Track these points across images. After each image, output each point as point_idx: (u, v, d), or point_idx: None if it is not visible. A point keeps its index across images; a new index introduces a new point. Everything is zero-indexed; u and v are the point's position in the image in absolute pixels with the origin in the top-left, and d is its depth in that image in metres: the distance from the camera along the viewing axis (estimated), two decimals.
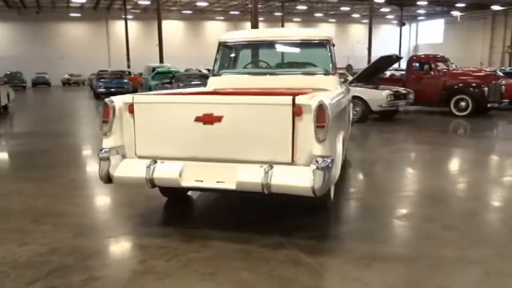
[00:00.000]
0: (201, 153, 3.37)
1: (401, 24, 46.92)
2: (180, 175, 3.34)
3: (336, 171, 3.51)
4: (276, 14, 46.67)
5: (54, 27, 44.64)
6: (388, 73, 17.80)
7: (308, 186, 3.03)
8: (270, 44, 5.36)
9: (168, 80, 15.77)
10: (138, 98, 3.52)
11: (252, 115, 3.24)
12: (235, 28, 49.47)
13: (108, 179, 3.46)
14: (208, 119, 3.29)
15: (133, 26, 44.47)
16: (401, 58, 11.12)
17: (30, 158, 6.84)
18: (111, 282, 2.77)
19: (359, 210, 4.15)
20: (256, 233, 3.50)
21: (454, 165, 6.60)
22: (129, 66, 35.22)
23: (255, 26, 14.22)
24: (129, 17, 42.81)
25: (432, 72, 12.30)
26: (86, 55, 44.37)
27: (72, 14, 44.12)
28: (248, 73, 5.25)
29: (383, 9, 48.34)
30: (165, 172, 3.36)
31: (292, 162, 3.19)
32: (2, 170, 6.47)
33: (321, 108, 3.03)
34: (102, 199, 4.68)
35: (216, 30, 46.87)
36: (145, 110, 3.48)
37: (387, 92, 10.54)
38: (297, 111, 3.13)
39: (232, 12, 48.54)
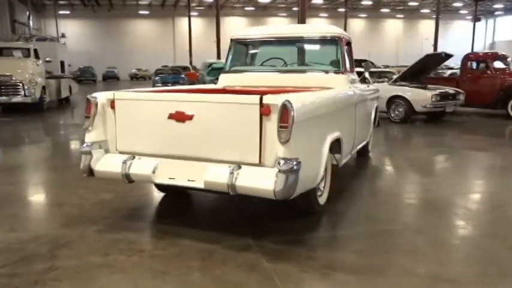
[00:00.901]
0: (175, 150, 3.36)
1: (476, 19, 43.98)
2: (153, 172, 3.36)
3: (312, 174, 3.36)
4: (340, 10, 45.68)
5: (124, 24, 47.00)
6: (448, 72, 16.84)
7: (270, 189, 2.92)
8: (280, 42, 5.24)
9: None
10: (119, 94, 3.58)
11: (221, 114, 3.18)
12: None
13: (89, 172, 3.56)
14: (180, 117, 3.28)
15: (197, 22, 45.69)
16: (451, 56, 10.40)
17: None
18: (66, 273, 2.84)
19: (350, 218, 3.92)
20: (230, 234, 3.44)
21: (500, 178, 6.04)
22: (191, 62, 36.20)
23: (302, 22, 13.99)
24: (194, 14, 44.10)
25: (489, 72, 11.42)
26: (152, 51, 46.29)
27: (141, 12, 46.19)
28: (257, 71, 5.18)
29: (455, 4, 45.73)
30: (140, 168, 3.40)
31: (260, 164, 3.09)
32: (53, 160, 6.90)
33: (284, 108, 2.90)
34: (109, 190, 4.73)
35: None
36: (124, 106, 3.54)
37: (432, 92, 9.93)
38: (264, 111, 3.03)
39: (295, 9, 48.17)
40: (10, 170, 5.79)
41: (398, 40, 53.44)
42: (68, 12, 45.34)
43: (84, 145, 3.55)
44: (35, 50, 13.77)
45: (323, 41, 5.01)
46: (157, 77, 22.74)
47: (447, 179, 5.29)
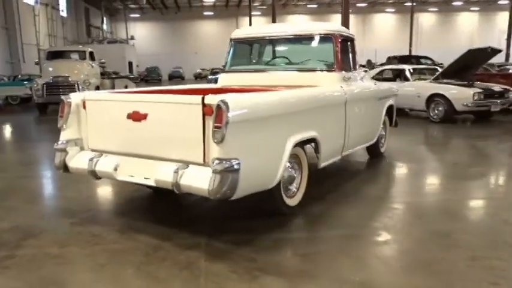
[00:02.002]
0: (133, 149, 3.49)
1: None
2: (115, 169, 3.51)
3: (265, 175, 3.33)
4: (407, 4, 43.77)
5: (189, 25, 48.62)
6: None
7: (205, 188, 2.94)
8: (276, 40, 5.22)
9: None
10: (89, 95, 3.78)
11: (169, 114, 3.26)
12: (360, 21, 47.99)
13: (64, 168, 3.79)
14: (136, 117, 3.40)
15: (260, 21, 46.02)
16: (499, 51, 9.61)
17: None
18: (19, 261, 3.06)
19: (319, 220, 3.78)
20: (189, 232, 3.51)
21: None
22: None
23: (345, 21, 13.68)
24: (257, 13, 44.56)
25: None
26: (216, 51, 47.36)
27: (205, 13, 47.50)
28: (253, 70, 5.19)
29: None
30: (104, 166, 3.56)
31: (204, 163, 3.11)
32: None
33: (218, 108, 2.90)
34: (111, 184, 4.93)
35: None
36: (93, 106, 3.73)
37: (475, 89, 9.25)
38: (207, 110, 3.05)
39: (359, 5, 46.99)
40: (28, 165, 6.28)
41: (472, 34, 50.12)
42: (137, 15, 47.79)
43: (59, 142, 3.78)
44: (91, 53, 14.71)
45: (317, 38, 4.91)
46: (211, 76, 23.34)
47: (452, 184, 4.92)
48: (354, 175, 5.29)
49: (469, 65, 9.95)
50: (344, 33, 4.99)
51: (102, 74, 15.38)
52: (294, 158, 3.94)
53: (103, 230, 3.62)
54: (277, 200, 3.69)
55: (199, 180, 3.00)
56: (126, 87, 18.05)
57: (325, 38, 4.82)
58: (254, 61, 5.38)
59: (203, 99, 3.04)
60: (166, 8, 46.79)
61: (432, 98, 9.79)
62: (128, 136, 3.50)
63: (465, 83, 9.83)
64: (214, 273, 2.81)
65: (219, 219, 3.90)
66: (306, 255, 3.07)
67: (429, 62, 20.57)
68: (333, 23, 5.16)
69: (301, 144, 3.93)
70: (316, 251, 3.14)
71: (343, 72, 4.78)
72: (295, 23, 5.11)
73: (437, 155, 6.76)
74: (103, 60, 15.20)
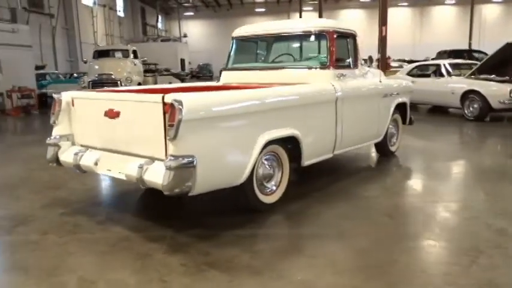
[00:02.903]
0: (110, 145, 3.68)
1: None
2: (95, 164, 3.72)
3: (230, 172, 3.39)
4: None
5: (241, 22, 48.73)
6: None
7: (159, 183, 3.06)
8: (273, 38, 5.24)
9: None
10: (76, 93, 4.03)
11: (137, 112, 3.40)
12: (417, 14, 46.17)
13: (57, 161, 4.06)
14: (111, 114, 3.58)
15: (313, 17, 45.56)
16: None
17: None
18: (1, 246, 3.36)
19: (291, 218, 3.76)
20: (161, 225, 3.66)
21: None
22: None
23: (383, 15, 13.22)
24: (309, 8, 44.16)
25: None
26: None
27: (257, 9, 47.75)
28: (251, 68, 5.24)
29: None
30: (86, 160, 3.78)
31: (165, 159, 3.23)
32: None
33: (172, 106, 3.00)
34: (107, 180, 5.26)
35: (402, 17, 44.82)
36: (79, 104, 3.96)
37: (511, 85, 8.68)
38: (167, 108, 3.15)
39: None
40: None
41: None
42: (191, 13, 48.97)
43: (52, 137, 4.06)
44: (134, 51, 15.36)
45: (312, 35, 4.88)
46: None
47: (440, 187, 4.70)
48: (350, 174, 5.20)
49: (510, 60, 9.34)
50: (341, 30, 4.91)
51: (146, 71, 15.99)
52: (273, 155, 3.97)
53: (86, 220, 3.86)
54: (249, 197, 3.74)
55: (158, 175, 3.12)
56: (170, 83, 18.70)
57: (319, 35, 4.78)
58: (253, 59, 5.43)
59: (163, 98, 3.15)
60: (219, 6, 47.57)
61: (467, 95, 9.30)
62: (105, 132, 3.70)
63: (505, 78, 9.25)
64: (164, 265, 2.93)
65: (196, 213, 4.01)
66: (259, 251, 3.11)
67: (483, 56, 19.42)
68: (330, 19, 5.08)
69: (281, 142, 3.95)
70: (272, 248, 3.17)
71: (336, 69, 4.71)
72: (294, 20, 5.07)
73: (456, 155, 6.43)
74: (145, 58, 15.81)
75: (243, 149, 3.47)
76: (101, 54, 15.45)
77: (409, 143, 7.08)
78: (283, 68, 4.97)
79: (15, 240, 3.48)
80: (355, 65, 5.14)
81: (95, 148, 3.84)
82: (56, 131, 4.07)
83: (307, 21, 4.98)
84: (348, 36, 5.05)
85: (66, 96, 4.07)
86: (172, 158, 3.02)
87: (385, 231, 3.42)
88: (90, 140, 3.89)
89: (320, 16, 26.96)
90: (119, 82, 13.90)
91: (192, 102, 3.07)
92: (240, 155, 3.45)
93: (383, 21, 13.06)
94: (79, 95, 4.00)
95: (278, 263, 2.92)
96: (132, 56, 15.15)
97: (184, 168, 3.03)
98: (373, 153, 6.16)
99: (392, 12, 45.63)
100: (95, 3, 30.48)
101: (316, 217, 3.77)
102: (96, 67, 14.68)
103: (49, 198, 4.56)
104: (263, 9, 47.93)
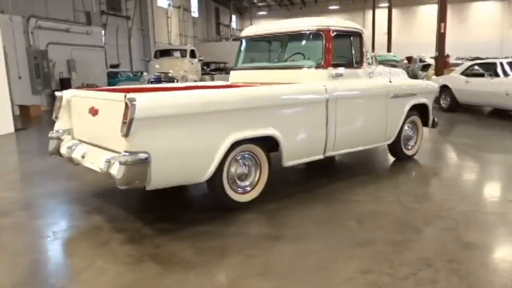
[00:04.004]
0: (93, 139, 3.97)
1: None
2: (83, 157, 4.02)
3: (189, 169, 3.50)
4: None
5: None
6: None
7: (115, 178, 3.25)
8: (275, 37, 5.26)
9: None
10: (73, 92, 4.36)
11: (109, 109, 3.63)
12: (506, 7, 42.60)
13: (58, 153, 4.43)
14: (93, 111, 3.86)
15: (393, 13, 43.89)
16: None
17: None
18: None
19: (260, 218, 3.77)
20: (136, 217, 3.87)
21: None
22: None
23: (441, 10, 12.41)
24: (386, 5, 42.58)
25: None
26: None
27: (331, 7, 47.02)
28: (255, 68, 5.31)
29: None
30: (76, 153, 4.10)
31: None
32: None
33: (126, 105, 3.18)
34: None
35: (488, 12, 41.78)
36: (75, 101, 4.29)
37: None
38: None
39: None
40: None
41: None
42: (265, 13, 49.46)
43: (53, 131, 4.44)
44: (192, 51, 15.96)
45: (309, 34, 4.82)
46: None
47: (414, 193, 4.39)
48: (349, 176, 5.02)
49: None
50: (341, 28, 4.79)
51: (215, 69, 16.58)
52: (250, 154, 4.01)
53: (76, 209, 4.19)
54: (218, 195, 3.82)
55: (116, 170, 3.31)
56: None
57: (316, 34, 4.71)
58: (258, 59, 5.47)
59: (125, 97, 3.33)
60: (292, 5, 47.54)
61: None
62: (90, 128, 4.00)
63: None
64: (112, 254, 3.12)
65: (174, 208, 4.16)
66: (205, 248, 3.18)
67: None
68: (330, 18, 4.95)
69: (259, 141, 3.98)
70: (220, 245, 3.22)
71: (332, 69, 4.61)
72: (295, 20, 5.00)
73: (484, 163, 5.92)
74: (201, 58, 16.33)
75: (204, 147, 3.54)
76: (162, 53, 16.25)
77: (437, 147, 6.70)
78: (282, 67, 4.97)
79: (9, 222, 3.87)
80: (359, 65, 4.98)
81: (86, 142, 4.14)
82: (58, 126, 4.44)
83: (305, 20, 4.91)
84: (351, 35, 4.91)
85: (67, 93, 4.42)
86: (125, 154, 3.19)
87: (343, 237, 3.32)
88: (82, 135, 4.21)
89: (390, 13, 25.94)
90: (175, 80, 14.52)
91: (146, 101, 3.22)
92: (202, 153, 3.54)
93: (441, 17, 12.31)
94: (76, 93, 4.33)
95: (215, 260, 2.98)
96: (189, 55, 15.74)
97: (138, 164, 3.19)
98: (390, 157, 5.90)
99: (476, 7, 42.69)
100: (169, 4, 31.97)
101: (286, 218, 3.75)
102: (157, 66, 15.46)
103: (60, 186, 4.98)
104: (337, 7, 47.09)
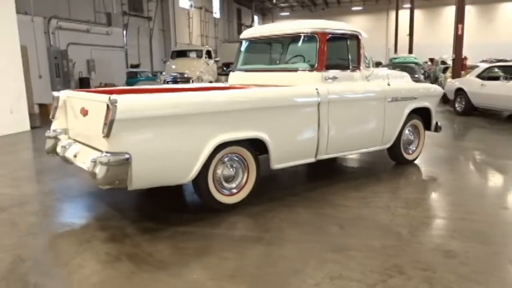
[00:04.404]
0: (84, 139, 4.06)
1: None
2: (75, 156, 4.11)
3: (172, 171, 3.54)
4: None
5: (336, 21, 48.20)
6: None
7: (97, 177, 3.32)
8: (271, 40, 5.28)
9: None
10: (68, 93, 4.47)
11: (96, 110, 3.71)
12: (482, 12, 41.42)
13: (54, 152, 4.55)
14: (84, 112, 3.96)
15: (415, 14, 43.18)
16: None
17: None
18: None
19: (242, 221, 3.78)
20: (124, 217, 3.95)
21: None
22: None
23: (459, 11, 12.12)
24: (409, 6, 41.92)
25: None
26: (364, 45, 46.11)
27: (354, 8, 46.57)
28: (252, 70, 5.33)
29: None
30: (69, 152, 4.19)
31: None
32: None
33: (107, 106, 3.24)
34: None
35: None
36: (69, 102, 4.40)
37: None
38: None
39: None
40: None
41: None
42: (287, 13, 49.38)
43: (50, 131, 4.56)
44: (208, 51, 16.09)
45: (303, 37, 4.81)
46: None
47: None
48: (344, 180, 4.98)
49: None
50: (336, 31, 4.77)
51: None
52: (238, 156, 4.03)
53: (70, 206, 4.30)
54: (203, 196, 3.85)
55: (98, 170, 3.38)
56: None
57: (310, 37, 4.70)
58: (255, 61, 5.48)
59: (109, 98, 3.40)
60: (315, 6, 47.31)
61: None
62: (81, 128, 4.09)
63: None
64: (92, 251, 3.19)
65: (162, 208, 4.21)
66: (183, 248, 3.21)
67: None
68: (326, 21, 4.91)
69: (246, 144, 4.00)
70: (197, 246, 3.25)
71: (326, 72, 4.59)
72: (290, 22, 4.99)
73: (491, 170, 5.76)
74: (217, 58, 16.44)
75: (187, 149, 3.57)
76: (178, 54, 16.44)
77: (444, 152, 6.57)
78: (278, 70, 4.98)
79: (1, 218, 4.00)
80: (356, 67, 4.94)
81: (79, 142, 4.23)
82: (54, 125, 4.56)
83: (301, 23, 4.90)
84: (347, 38, 4.88)
85: (63, 94, 4.54)
86: (105, 154, 3.26)
87: (322, 242, 3.30)
88: (76, 135, 4.31)
89: (412, 14, 25.52)
90: (190, 81, 14.66)
91: (127, 103, 3.27)
92: (184, 154, 3.57)
93: (459, 19, 12.03)
94: (70, 94, 4.44)
95: (189, 261, 3.01)
96: (205, 56, 15.87)
97: (118, 165, 3.25)
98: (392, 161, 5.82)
99: (505, 8, 41.48)
100: (191, 5, 32.28)
101: (269, 221, 3.75)
102: (173, 66, 15.66)
103: (63, 184, 5.10)
104: (360, 8, 46.60)
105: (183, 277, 2.79)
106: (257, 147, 4.13)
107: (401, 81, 5.59)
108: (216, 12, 38.17)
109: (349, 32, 4.90)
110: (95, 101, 3.72)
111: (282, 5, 47.91)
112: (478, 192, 4.71)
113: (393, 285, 2.63)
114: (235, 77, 5.55)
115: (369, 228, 3.56)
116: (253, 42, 5.51)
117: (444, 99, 12.75)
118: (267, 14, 50.65)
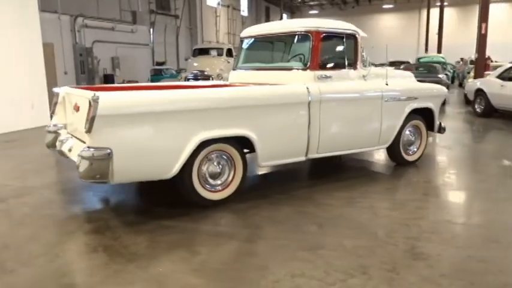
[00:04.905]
0: (78, 134, 4.20)
1: None
2: (69, 150, 4.27)
3: (154, 166, 3.63)
4: None
5: (367, 19, 47.46)
6: None
7: (79, 171, 3.45)
8: (268, 39, 5.30)
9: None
10: (66, 89, 4.63)
11: (84, 106, 3.83)
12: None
13: (53, 146, 4.73)
14: (76, 108, 4.11)
15: (448, 12, 42.08)
16: None
17: None
18: None
19: (224, 217, 3.85)
20: (111, 209, 4.09)
21: None
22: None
23: (483, 10, 11.73)
24: (444, 3, 40.89)
25: None
26: (395, 45, 45.23)
27: (385, 6, 45.74)
28: (251, 68, 5.38)
29: None
30: (65, 147, 4.36)
31: None
32: None
33: (89, 103, 3.36)
34: None
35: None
36: (67, 98, 4.56)
37: None
38: None
39: None
40: None
41: None
42: (316, 12, 49.00)
43: (50, 126, 4.74)
44: (229, 49, 16.23)
45: (297, 36, 4.82)
46: None
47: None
48: (336, 180, 4.95)
49: None
50: (331, 30, 4.75)
51: None
52: (224, 154, 4.09)
53: (65, 199, 4.49)
54: (188, 192, 3.93)
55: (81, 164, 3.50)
56: None
57: (304, 35, 4.71)
58: (254, 60, 5.51)
59: (92, 95, 3.52)
60: (345, 4, 46.77)
61: None
62: (75, 123, 4.24)
63: None
64: (74, 242, 3.36)
65: (152, 202, 4.33)
66: (157, 242, 3.29)
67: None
68: (321, 19, 4.90)
69: (232, 141, 4.05)
70: (172, 240, 3.33)
71: (319, 71, 4.59)
72: (286, 21, 5.03)
73: (495, 173, 5.58)
74: None
75: (169, 145, 3.65)
76: (200, 52, 16.65)
77: (451, 153, 6.43)
78: (273, 68, 5.01)
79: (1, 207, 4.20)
80: (352, 67, 4.91)
81: (75, 137, 4.39)
82: (54, 120, 4.74)
83: (296, 21, 4.91)
84: (344, 37, 4.85)
85: (63, 90, 4.71)
86: (87, 149, 3.38)
87: (296, 240, 3.31)
88: (72, 130, 4.47)
89: (441, 12, 24.89)
90: (210, 78, 14.83)
91: (109, 100, 3.39)
92: (166, 151, 3.65)
93: (483, 18, 11.67)
94: (68, 91, 4.60)
95: (160, 254, 3.09)
96: (226, 54, 16.00)
97: (99, 159, 3.37)
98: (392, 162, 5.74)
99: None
100: (219, 3, 32.54)
101: (250, 218, 3.80)
102: (194, 64, 15.88)
103: (67, 177, 5.29)
104: (391, 6, 45.73)
105: (149, 269, 2.87)
106: (245, 145, 4.18)
107: (402, 81, 5.51)
108: (244, 10, 38.32)
109: (346, 31, 4.87)
110: (83, 98, 3.85)
111: (311, 3, 47.64)
112: (469, 195, 4.60)
113: (352, 285, 2.63)
114: (235, 76, 5.60)
115: (347, 228, 3.55)
116: (252, 41, 5.55)
117: (466, 100, 12.43)
118: (295, 12, 50.46)
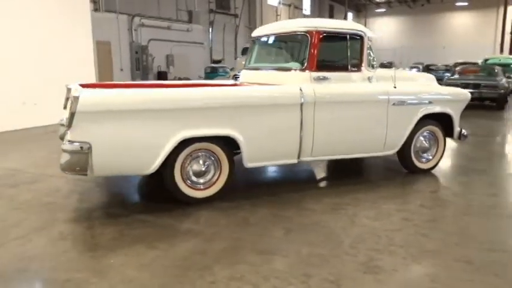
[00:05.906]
0: None
1: None
2: None
3: (134, 161, 3.76)
4: None
5: (438, 18, 45.28)
6: None
7: (60, 163, 3.66)
8: (274, 38, 5.28)
9: None
10: (77, 85, 4.90)
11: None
12: None
13: None
14: None
15: None
16: None
17: None
18: None
19: (201, 215, 3.88)
20: (108, 203, 4.28)
21: None
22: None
23: None
24: None
25: None
26: (467, 45, 42.72)
27: (458, 3, 43.26)
28: (256, 68, 5.39)
29: None
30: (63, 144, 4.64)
31: None
32: None
33: (71, 100, 3.56)
34: None
35: None
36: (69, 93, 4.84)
37: None
38: None
39: None
40: None
41: None
42: (383, 10, 47.45)
43: (62, 119, 5.05)
44: None
45: (299, 36, 4.74)
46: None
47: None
48: (334, 184, 4.81)
49: None
50: (334, 30, 4.64)
51: None
52: (210, 153, 4.14)
53: (69, 188, 4.75)
54: (171, 188, 4.03)
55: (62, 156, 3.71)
56: None
57: (304, 36, 4.62)
58: (262, 59, 5.50)
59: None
60: (414, 2, 44.84)
61: None
62: None
63: None
64: (50, 230, 3.54)
65: (144, 197, 4.48)
66: (124, 235, 3.41)
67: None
68: (322, 19, 4.77)
69: (217, 141, 4.09)
70: (140, 234, 3.43)
71: (316, 72, 4.49)
72: (290, 21, 4.93)
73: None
74: None
75: (148, 142, 3.76)
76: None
77: (471, 163, 6.00)
78: (274, 69, 5.00)
79: (9, 192, 4.56)
80: (356, 68, 4.75)
81: None
82: (65, 115, 5.05)
83: (297, 21, 4.84)
84: (347, 37, 4.70)
85: (75, 85, 5.00)
86: (67, 142, 3.58)
87: (257, 243, 3.28)
88: None
89: (505, 9, 23.02)
90: None
91: (89, 97, 3.56)
92: (145, 147, 3.77)
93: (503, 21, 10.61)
94: (77, 87, 4.88)
95: (120, 246, 3.21)
96: None
97: (79, 153, 3.56)
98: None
99: None
100: (279, 2, 32.59)
101: (225, 218, 3.81)
102: (243, 62, 16.04)
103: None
104: (465, 3, 43.13)
105: (102, 260, 2.99)
106: (235, 145, 4.18)
107: (414, 84, 5.22)
108: (306, 9, 38.05)
109: (350, 31, 4.72)
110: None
111: (378, 0, 46.23)
112: (467, 210, 4.27)
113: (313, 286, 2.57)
114: (245, 75, 5.62)
115: (315, 235, 3.45)
116: (260, 41, 5.53)
117: None
118: (361, 11, 49.25)
